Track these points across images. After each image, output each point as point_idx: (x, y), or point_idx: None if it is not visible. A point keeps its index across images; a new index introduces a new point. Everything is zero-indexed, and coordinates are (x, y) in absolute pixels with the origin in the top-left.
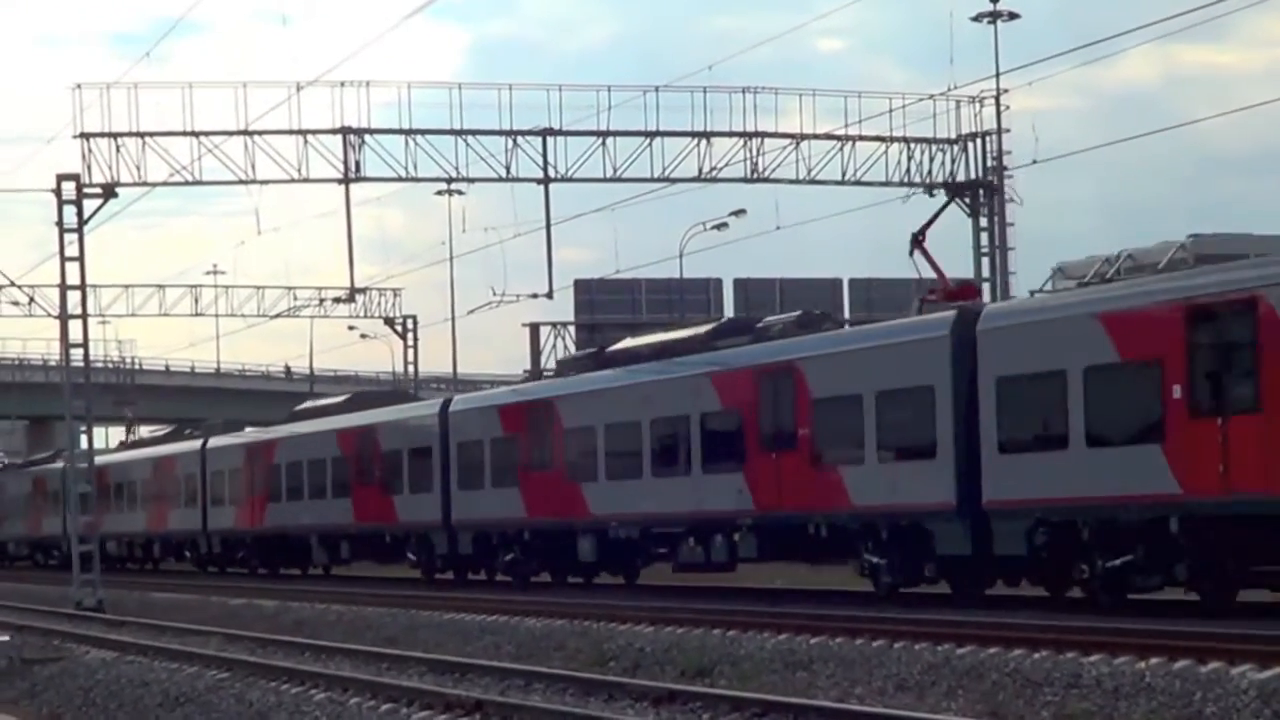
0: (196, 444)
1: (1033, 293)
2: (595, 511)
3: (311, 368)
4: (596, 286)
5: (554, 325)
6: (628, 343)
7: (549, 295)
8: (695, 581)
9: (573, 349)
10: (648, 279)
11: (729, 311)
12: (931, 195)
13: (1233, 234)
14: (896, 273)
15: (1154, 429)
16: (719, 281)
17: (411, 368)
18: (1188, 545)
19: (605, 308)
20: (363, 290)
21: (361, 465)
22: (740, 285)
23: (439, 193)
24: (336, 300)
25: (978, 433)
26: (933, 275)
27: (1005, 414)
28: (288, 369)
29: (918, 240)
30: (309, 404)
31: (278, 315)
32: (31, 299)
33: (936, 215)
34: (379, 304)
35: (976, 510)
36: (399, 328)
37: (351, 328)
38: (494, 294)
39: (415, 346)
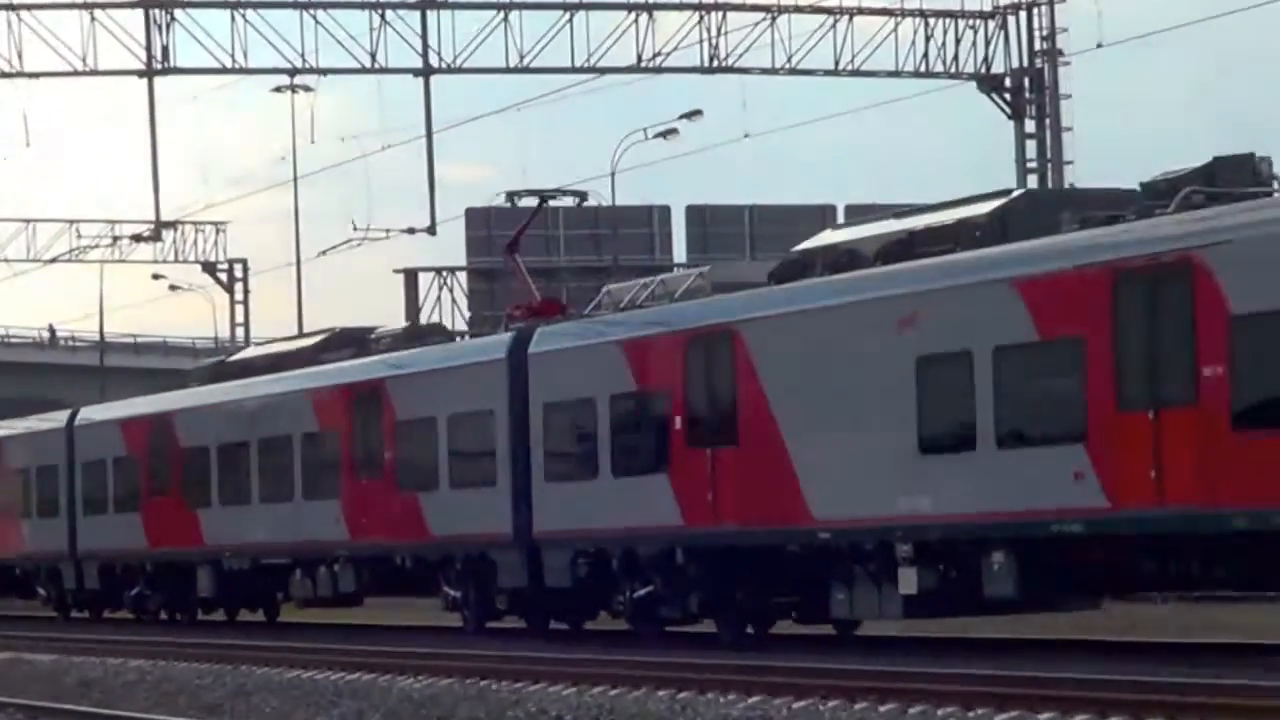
0: (60, 420)
1: (583, 315)
2: (209, 541)
3: (101, 332)
4: (497, 218)
5: (438, 272)
6: (248, 353)
7: (431, 230)
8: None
9: (463, 305)
10: (569, 208)
11: (679, 252)
12: (982, 87)
13: (741, 262)
14: (909, 195)
15: (662, 459)
16: (666, 210)
17: (240, 330)
18: (695, 576)
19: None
20: (172, 225)
21: None
22: (696, 215)
23: (278, 89)
24: (137, 239)
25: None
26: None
27: (551, 442)
28: (52, 332)
29: (510, 249)
30: None
31: (55, 260)
32: None
33: (531, 219)
34: (196, 244)
35: (531, 541)
36: (222, 275)
37: (157, 276)
38: (355, 229)
39: (246, 302)
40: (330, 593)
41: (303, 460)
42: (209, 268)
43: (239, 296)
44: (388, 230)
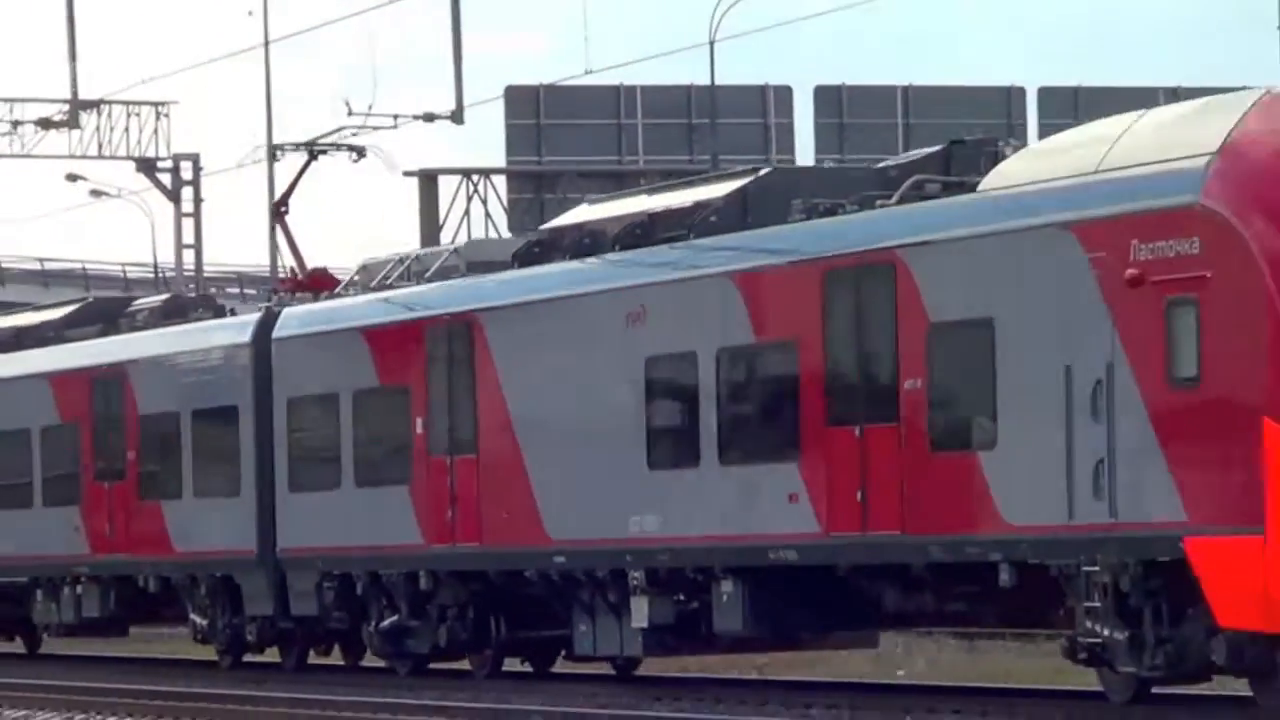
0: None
1: (337, 294)
2: None
3: None
4: (551, 101)
5: (466, 175)
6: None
7: (456, 117)
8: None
9: (501, 221)
10: (647, 86)
11: (804, 149)
12: None
13: (502, 239)
14: (1139, 78)
15: (404, 468)
16: (786, 92)
17: (190, 255)
18: (444, 604)
19: (565, 140)
20: (95, 106)
21: None
22: (828, 99)
23: None
24: (45, 125)
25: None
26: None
27: (295, 445)
28: None
29: (278, 210)
30: None
31: None
32: None
33: (299, 176)
34: (128, 133)
35: (276, 559)
36: (165, 177)
37: (74, 177)
38: (351, 113)
39: (198, 214)
40: (74, 619)
41: (43, 459)
42: (146, 166)
43: (188, 207)
44: (395, 117)
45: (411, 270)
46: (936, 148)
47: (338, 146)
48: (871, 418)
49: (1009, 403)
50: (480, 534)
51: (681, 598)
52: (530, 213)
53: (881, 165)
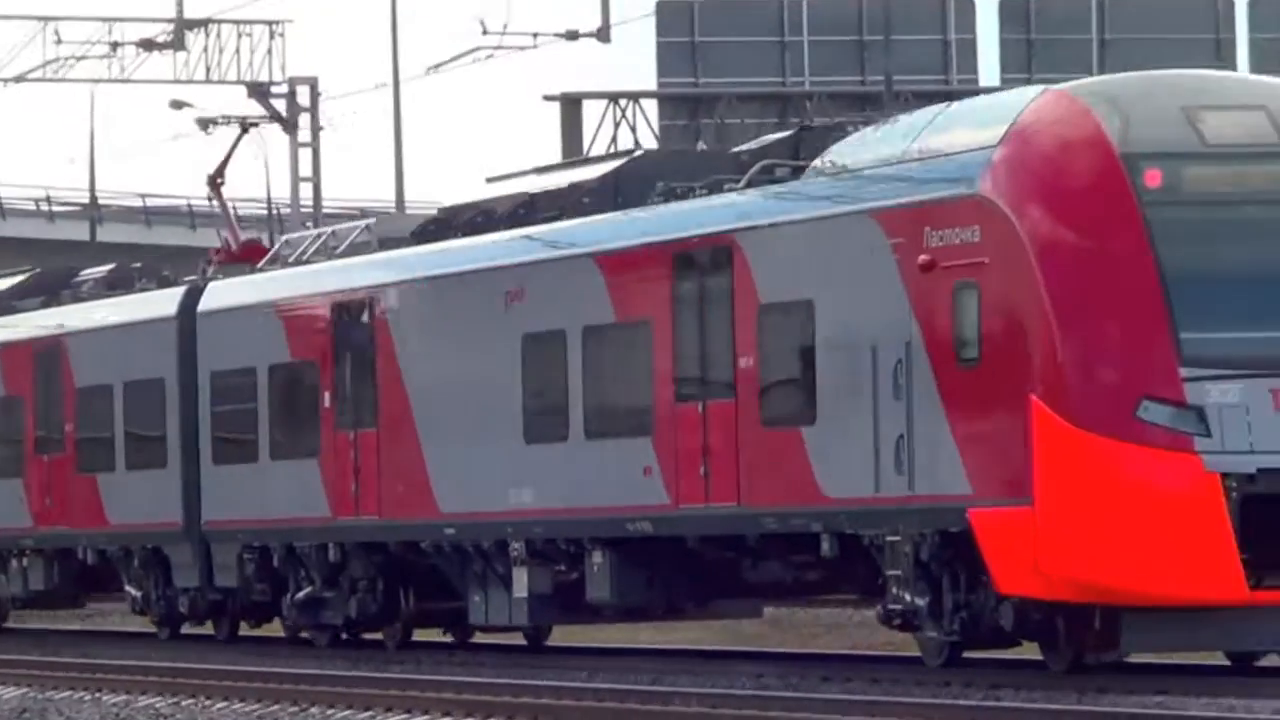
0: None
1: (260, 268)
2: None
3: (92, 190)
4: (707, 16)
5: (613, 100)
6: None
7: (601, 35)
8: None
9: (652, 147)
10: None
11: (988, 70)
12: None
13: (411, 215)
14: None
15: (314, 441)
16: (969, 4)
17: (307, 189)
18: (356, 577)
19: (722, 59)
20: (202, 25)
21: None
22: (1014, 14)
23: None
24: (149, 47)
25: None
26: None
27: (218, 418)
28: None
29: (214, 182)
30: None
31: (22, 78)
32: None
33: (233, 150)
34: (238, 56)
35: (201, 533)
36: (279, 104)
37: (179, 105)
38: (485, 32)
39: (316, 145)
40: (21, 591)
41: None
42: (258, 91)
43: (305, 136)
44: (535, 36)
45: (328, 245)
46: (787, 133)
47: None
48: (712, 394)
49: (826, 381)
50: (380, 507)
51: (562, 568)
52: (684, 139)
53: (735, 150)
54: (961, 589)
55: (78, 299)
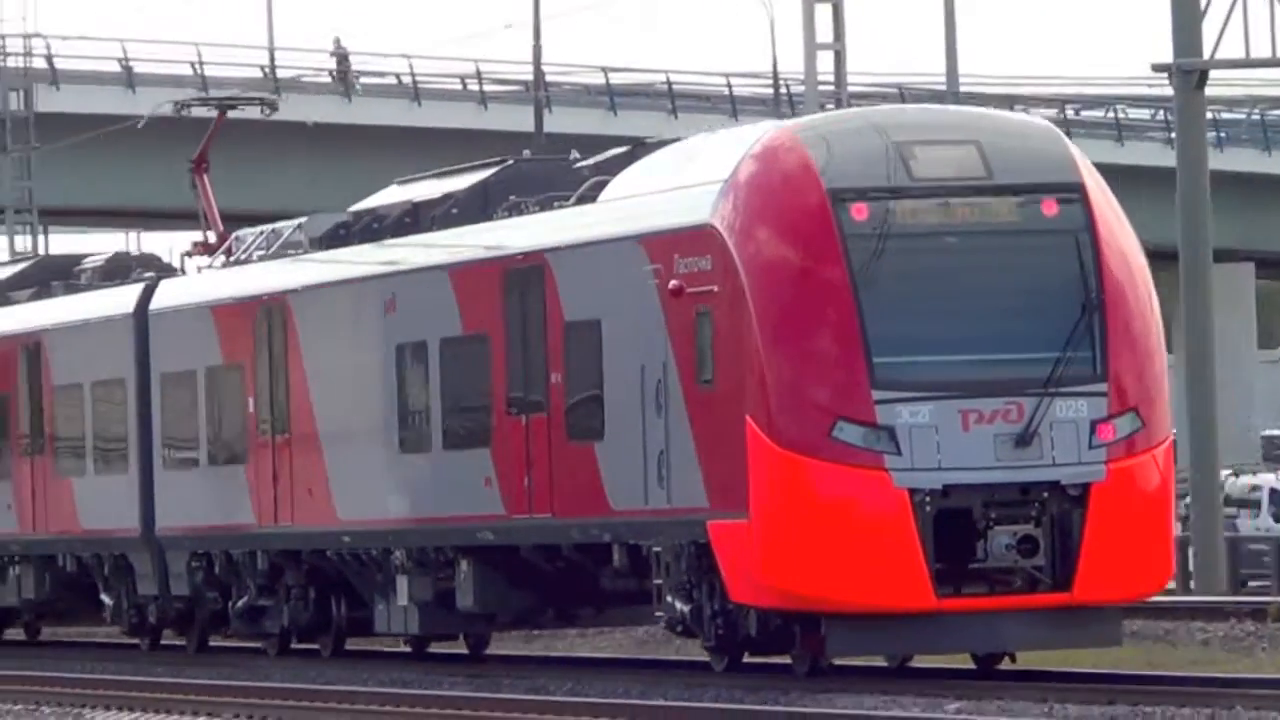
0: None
1: (205, 267)
2: None
3: (537, 61)
4: None
5: None
6: None
7: None
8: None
9: None
10: None
11: None
12: None
13: (342, 213)
14: None
15: (242, 447)
16: None
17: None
18: (289, 585)
19: None
20: None
21: None
22: None
23: None
24: None
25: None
26: None
27: (167, 421)
28: (342, 57)
29: (197, 165)
30: None
31: None
32: None
33: (213, 133)
34: None
35: (155, 540)
36: None
37: None
38: None
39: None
40: (15, 601)
41: None
42: None
43: None
44: None
45: (269, 242)
46: (624, 149)
47: (246, 99)
48: (532, 409)
49: (612, 398)
50: (294, 514)
51: (442, 577)
52: None
53: (578, 165)
54: (716, 598)
55: (72, 290)
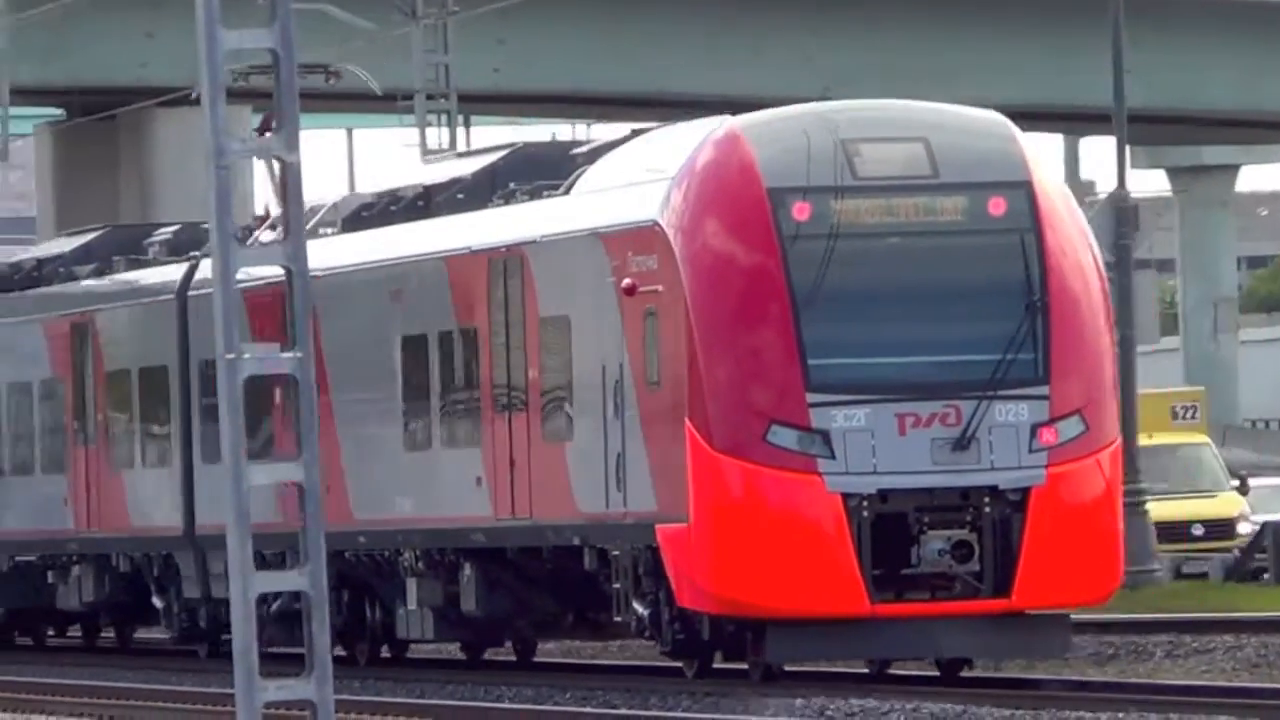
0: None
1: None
2: None
3: None
4: None
5: None
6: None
7: None
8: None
9: None
10: None
11: None
12: None
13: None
14: None
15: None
16: None
17: None
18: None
19: None
20: None
21: None
22: None
23: None
24: None
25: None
26: None
27: (206, 410)
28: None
29: (262, 131)
30: None
31: None
32: None
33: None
34: None
35: (195, 540)
36: None
37: None
38: None
39: None
40: (77, 604)
41: (40, 419)
42: None
43: None
44: None
45: (324, 220)
46: (619, 137)
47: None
48: (515, 407)
49: (580, 398)
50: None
51: (442, 578)
52: None
53: (573, 152)
54: (671, 602)
55: (135, 265)
